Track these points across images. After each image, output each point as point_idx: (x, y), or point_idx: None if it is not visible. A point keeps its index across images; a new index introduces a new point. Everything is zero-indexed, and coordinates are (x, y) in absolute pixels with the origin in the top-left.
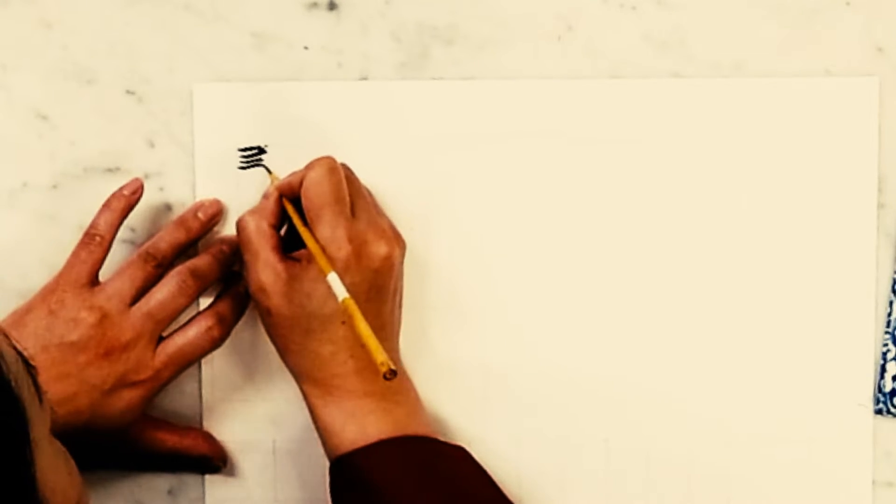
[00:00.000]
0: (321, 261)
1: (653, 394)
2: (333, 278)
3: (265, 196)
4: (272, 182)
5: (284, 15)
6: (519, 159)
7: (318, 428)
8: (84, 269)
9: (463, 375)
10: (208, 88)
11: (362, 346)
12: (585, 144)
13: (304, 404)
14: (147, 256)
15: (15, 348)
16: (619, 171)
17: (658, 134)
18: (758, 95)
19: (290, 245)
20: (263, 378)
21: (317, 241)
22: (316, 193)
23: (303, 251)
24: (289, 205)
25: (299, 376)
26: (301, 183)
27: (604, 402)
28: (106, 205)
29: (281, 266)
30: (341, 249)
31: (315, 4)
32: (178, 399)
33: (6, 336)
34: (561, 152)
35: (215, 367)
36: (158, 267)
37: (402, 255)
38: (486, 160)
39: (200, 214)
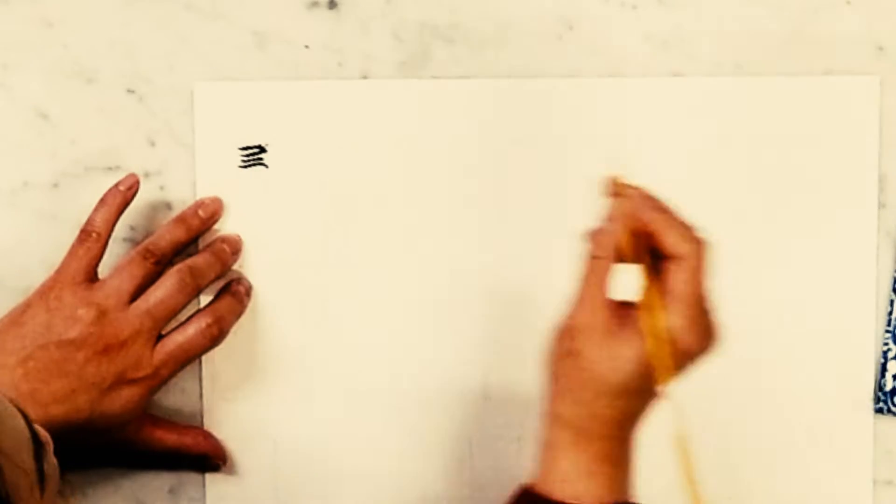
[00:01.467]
0: (663, 374)
1: None
2: (666, 390)
3: (612, 219)
4: (616, 185)
5: (285, 14)
6: (520, 158)
7: (542, 464)
8: (81, 266)
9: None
10: (209, 87)
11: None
12: (585, 143)
13: (304, 402)
14: (146, 253)
15: (31, 427)
16: (620, 169)
17: (659, 132)
18: (758, 95)
19: None
20: (264, 376)
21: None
22: (692, 281)
23: (635, 308)
24: (644, 255)
25: (559, 418)
26: (657, 232)
27: None
28: (102, 201)
29: (609, 315)
30: (674, 366)
31: (316, 3)
32: (178, 397)
33: (24, 415)
34: (561, 151)
35: (216, 365)
36: (157, 264)
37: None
38: (487, 159)
39: (201, 212)
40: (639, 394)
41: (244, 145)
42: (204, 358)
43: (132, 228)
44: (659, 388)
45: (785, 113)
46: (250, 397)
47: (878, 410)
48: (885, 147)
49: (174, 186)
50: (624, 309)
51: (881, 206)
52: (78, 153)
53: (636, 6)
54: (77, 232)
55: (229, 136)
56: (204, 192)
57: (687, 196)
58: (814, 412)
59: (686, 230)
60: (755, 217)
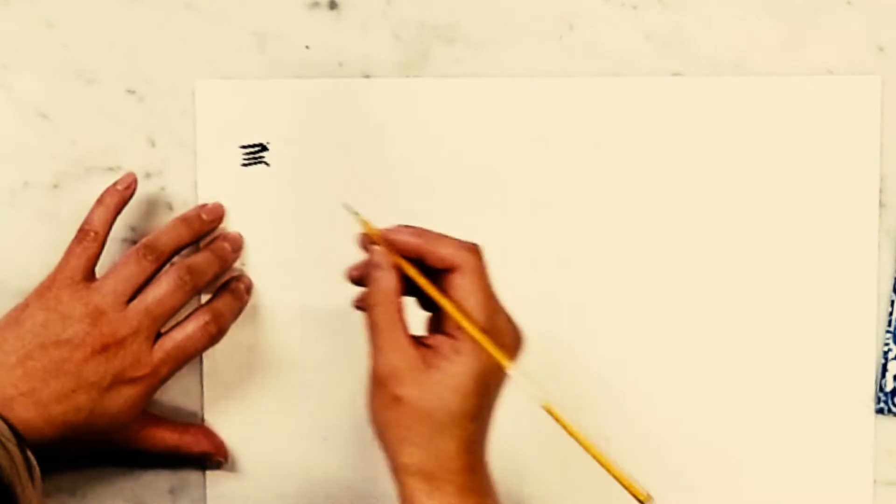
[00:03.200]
0: (497, 353)
1: (654, 393)
2: (519, 377)
3: (379, 267)
4: (369, 233)
5: (285, 14)
6: (520, 157)
7: None
8: (79, 265)
9: None
10: (210, 85)
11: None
12: (586, 142)
13: (303, 401)
14: (145, 251)
15: (8, 424)
16: (621, 169)
17: (659, 132)
18: (759, 94)
19: None
20: (263, 375)
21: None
22: (473, 289)
23: (439, 338)
24: (431, 288)
25: (407, 468)
26: (440, 260)
27: (606, 403)
28: (100, 200)
29: (416, 353)
30: (509, 352)
31: (316, 4)
32: (179, 396)
33: None
34: (562, 150)
35: (216, 363)
36: (156, 262)
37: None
38: (487, 158)
39: (204, 216)
40: (470, 417)
41: (245, 143)
42: (204, 356)
43: (132, 229)
44: (509, 373)
45: (786, 112)
46: (250, 397)
47: (879, 411)
48: (885, 147)
49: (174, 186)
50: (425, 343)
51: (882, 205)
52: (78, 153)
53: (637, 6)
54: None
55: (230, 134)
56: (205, 188)
57: (688, 195)
58: (814, 412)
59: (453, 241)
60: (756, 216)
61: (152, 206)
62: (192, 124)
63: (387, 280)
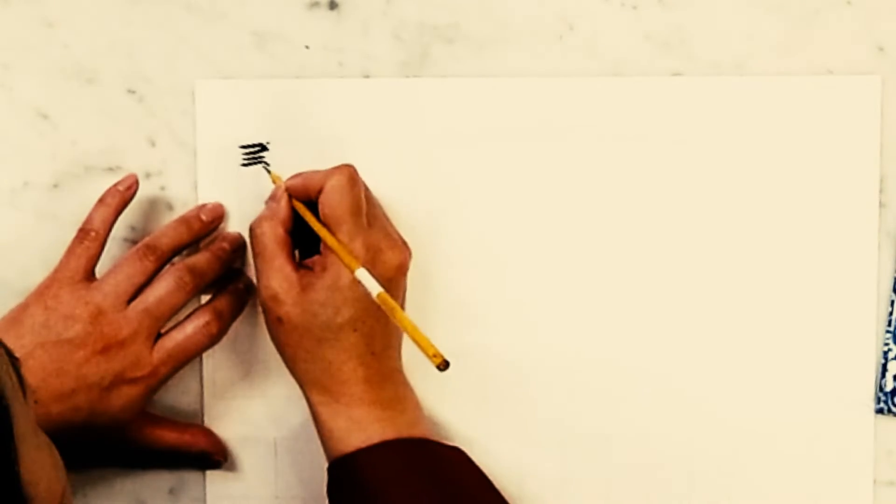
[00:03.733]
0: (346, 258)
1: (654, 391)
2: (363, 273)
3: (274, 199)
4: (274, 181)
5: (285, 14)
6: (521, 157)
7: (321, 433)
8: (80, 265)
9: (463, 375)
10: (210, 85)
11: (413, 339)
12: (586, 142)
13: (303, 401)
14: (146, 251)
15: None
16: (621, 168)
17: (659, 132)
18: (759, 94)
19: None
20: (264, 374)
21: (339, 242)
22: (337, 202)
23: (315, 258)
24: (302, 208)
25: (306, 384)
26: (317, 188)
27: (606, 403)
28: (101, 200)
29: (295, 275)
30: (359, 258)
31: (316, 4)
32: (179, 396)
33: None
34: (562, 150)
35: (216, 363)
36: (156, 262)
37: (409, 263)
38: (488, 157)
39: (203, 216)
40: (349, 327)
41: (245, 143)
42: (204, 356)
43: (133, 228)
44: (356, 274)
45: (785, 112)
46: (250, 397)
47: (879, 410)
48: (885, 147)
49: (175, 186)
50: (306, 265)
51: (882, 205)
52: (78, 153)
53: (637, 6)
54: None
55: (230, 134)
56: (205, 189)
57: (688, 194)
58: (814, 412)
59: (327, 170)
60: (755, 216)
61: (152, 206)
62: (192, 124)
63: (271, 209)
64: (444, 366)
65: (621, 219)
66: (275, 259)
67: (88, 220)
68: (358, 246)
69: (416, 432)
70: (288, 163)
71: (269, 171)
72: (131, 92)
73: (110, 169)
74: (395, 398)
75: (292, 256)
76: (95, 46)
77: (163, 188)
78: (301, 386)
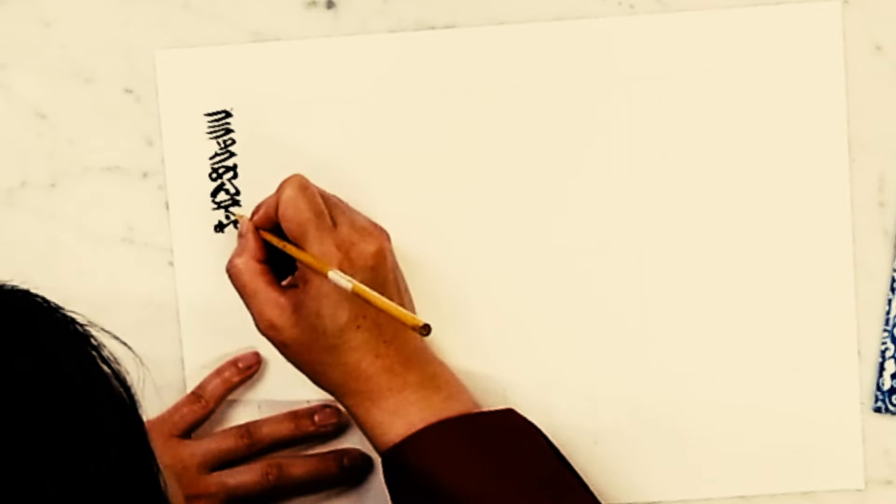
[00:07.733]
0: (316, 263)
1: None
2: (335, 274)
3: (242, 235)
4: (239, 220)
5: (283, 14)
6: (498, 109)
7: (365, 433)
8: (181, 424)
9: (452, 344)
10: (171, 54)
11: (391, 317)
12: (550, 89)
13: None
14: (246, 433)
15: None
16: (586, 114)
17: (618, 72)
18: (721, 27)
19: (280, 276)
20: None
21: (307, 252)
22: (294, 213)
23: (296, 274)
24: (269, 235)
25: (335, 392)
26: (275, 208)
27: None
28: (218, 371)
29: (283, 298)
30: (333, 260)
31: (313, 3)
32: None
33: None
34: (534, 101)
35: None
36: (250, 448)
37: (390, 244)
38: (461, 111)
39: (317, 418)
40: (350, 328)
41: (209, 111)
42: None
43: (131, 228)
44: (330, 277)
45: (746, 46)
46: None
47: (877, 410)
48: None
49: (172, 186)
50: (292, 285)
51: (880, 205)
52: (76, 153)
53: (633, 5)
54: (75, 231)
55: (194, 103)
56: (172, 155)
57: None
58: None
59: (277, 187)
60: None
61: (150, 206)
62: (156, 93)
63: (241, 245)
64: (425, 331)
65: (591, 185)
66: (258, 291)
67: (202, 386)
68: (329, 247)
69: (458, 405)
70: (254, 129)
71: (234, 217)
72: (129, 91)
73: (108, 169)
74: (425, 377)
75: (276, 282)
76: (93, 46)
77: (160, 188)
78: (333, 396)
